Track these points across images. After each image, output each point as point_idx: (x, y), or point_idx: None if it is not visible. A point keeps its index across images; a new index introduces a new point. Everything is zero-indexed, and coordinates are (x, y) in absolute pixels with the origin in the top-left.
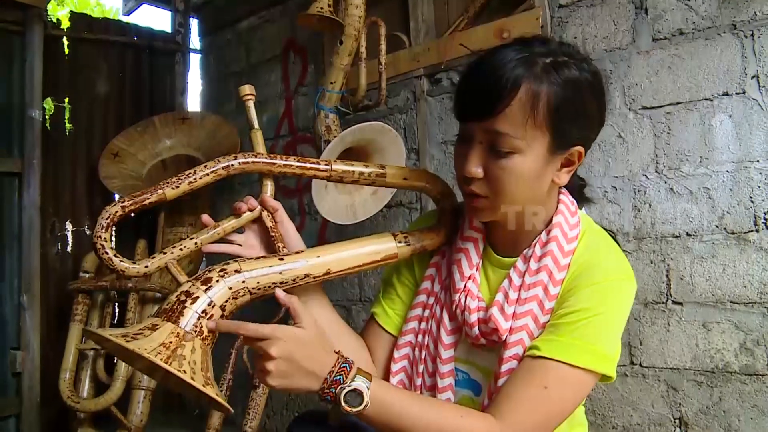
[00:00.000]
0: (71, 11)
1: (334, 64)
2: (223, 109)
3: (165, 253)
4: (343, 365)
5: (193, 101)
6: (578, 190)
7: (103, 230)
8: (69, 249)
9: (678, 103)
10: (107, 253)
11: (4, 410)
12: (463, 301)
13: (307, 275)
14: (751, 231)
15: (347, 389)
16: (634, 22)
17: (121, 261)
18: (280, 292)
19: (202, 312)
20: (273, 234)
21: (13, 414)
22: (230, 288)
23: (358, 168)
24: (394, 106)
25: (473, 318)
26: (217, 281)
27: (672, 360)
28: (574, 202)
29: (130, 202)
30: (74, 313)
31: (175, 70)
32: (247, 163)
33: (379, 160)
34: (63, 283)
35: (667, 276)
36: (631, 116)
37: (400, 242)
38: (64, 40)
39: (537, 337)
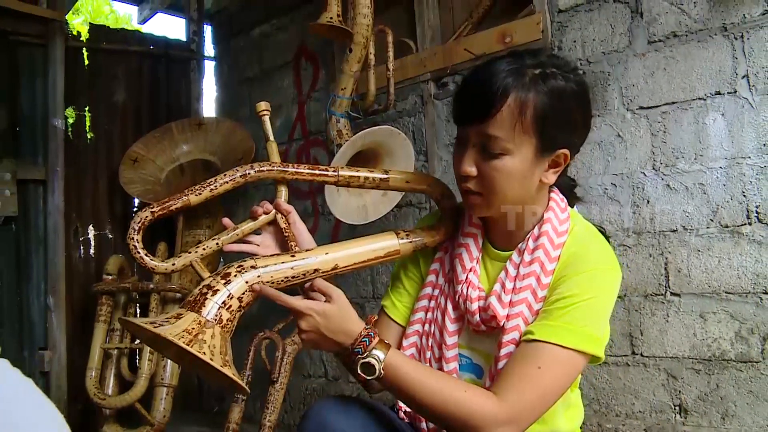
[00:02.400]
0: (90, 23)
1: (344, 71)
2: (237, 114)
3: (189, 253)
4: (364, 339)
5: (209, 107)
6: (569, 189)
7: (136, 233)
8: (92, 252)
9: (673, 103)
10: (139, 253)
11: None
12: (465, 291)
13: (316, 270)
14: (744, 224)
15: (362, 361)
16: (630, 26)
17: (151, 260)
18: (317, 282)
19: (222, 303)
20: (286, 234)
21: None
22: (247, 282)
23: (363, 173)
24: (403, 110)
25: (474, 306)
26: (235, 276)
27: (671, 349)
28: (564, 200)
29: (159, 208)
30: (98, 313)
31: (191, 77)
32: (262, 171)
33: (388, 162)
34: (87, 285)
35: (665, 269)
36: (628, 116)
37: (402, 239)
38: (84, 51)
39: (531, 322)
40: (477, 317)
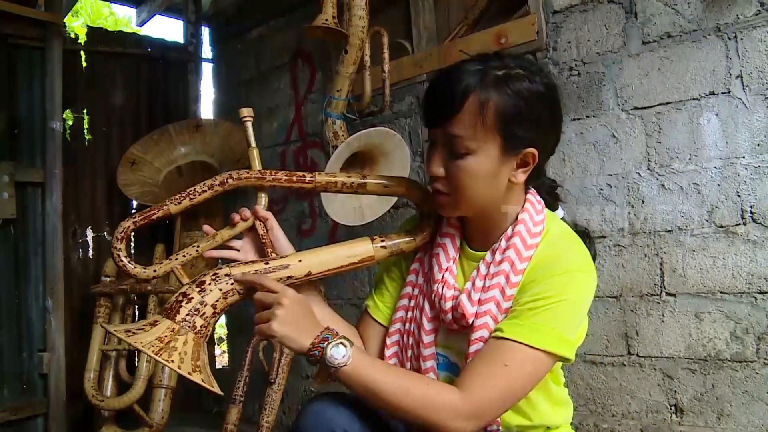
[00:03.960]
0: (88, 26)
1: (340, 72)
2: (235, 116)
3: (170, 260)
4: (331, 330)
5: (206, 109)
6: (550, 191)
7: (119, 242)
8: (90, 254)
9: (667, 103)
10: (122, 261)
11: (32, 410)
12: (440, 290)
13: (290, 277)
14: (739, 224)
15: (332, 346)
16: (625, 26)
17: (134, 267)
18: (263, 280)
19: (195, 310)
20: (264, 240)
21: (41, 413)
22: (221, 290)
23: (340, 178)
24: (399, 111)
25: (447, 305)
26: (209, 284)
27: (667, 349)
28: (541, 202)
29: (140, 218)
30: (97, 315)
31: (188, 79)
32: (240, 179)
33: (384, 163)
34: (85, 287)
35: (660, 269)
36: (623, 116)
37: (376, 245)
38: (82, 54)
39: (500, 320)
40: (449, 316)
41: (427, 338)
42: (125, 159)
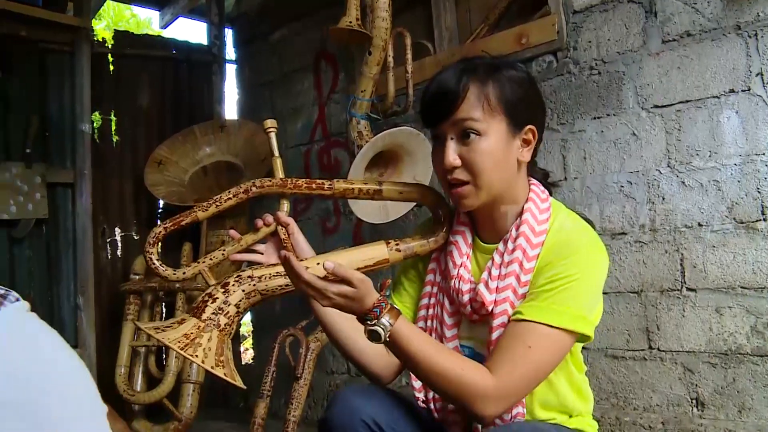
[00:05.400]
0: (115, 30)
1: (364, 73)
2: (258, 117)
3: (199, 262)
4: (375, 309)
5: (230, 110)
6: (543, 179)
7: (151, 246)
8: (119, 253)
9: (687, 101)
10: (155, 264)
11: None
12: (457, 284)
13: None
14: (759, 220)
15: (369, 328)
16: (645, 26)
17: (165, 269)
18: (328, 264)
19: (219, 309)
20: (285, 245)
21: None
22: (244, 291)
23: (357, 185)
24: None
25: (465, 298)
26: (233, 285)
27: (688, 343)
28: (545, 191)
29: (171, 224)
30: (126, 312)
31: (212, 80)
32: (263, 187)
33: (408, 162)
34: (114, 285)
35: (681, 264)
36: (643, 115)
37: (391, 249)
38: (109, 57)
39: (518, 305)
40: (469, 307)
41: (449, 332)
42: (152, 159)
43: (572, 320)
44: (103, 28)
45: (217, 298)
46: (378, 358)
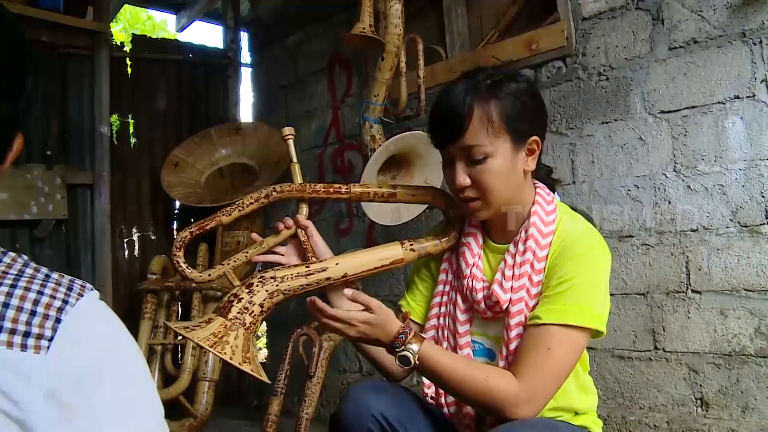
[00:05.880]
0: (133, 34)
1: (377, 78)
2: (273, 119)
3: (223, 265)
4: (401, 336)
5: (246, 112)
6: (547, 176)
7: (178, 250)
8: (136, 253)
9: (693, 107)
10: (182, 266)
11: None
12: (470, 283)
13: (328, 278)
14: (763, 224)
15: (399, 354)
16: (652, 33)
17: (192, 272)
18: (347, 291)
19: (244, 309)
20: (305, 246)
21: None
22: (267, 291)
23: (372, 189)
24: None
25: (479, 296)
26: (257, 286)
27: (692, 345)
28: (550, 193)
29: (196, 228)
30: (143, 311)
31: (228, 83)
32: (283, 192)
33: (420, 165)
34: (132, 284)
35: (686, 267)
36: (650, 120)
37: (406, 248)
38: (127, 61)
39: (532, 304)
40: (482, 305)
41: (462, 328)
42: (169, 161)
43: (585, 318)
44: (119, 30)
45: (242, 298)
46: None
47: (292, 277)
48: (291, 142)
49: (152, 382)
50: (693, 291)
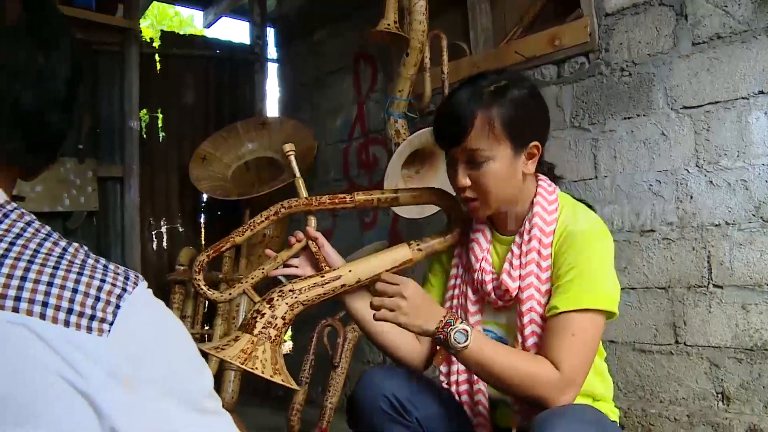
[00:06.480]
0: (162, 30)
1: (401, 74)
2: (299, 114)
3: (242, 283)
4: (454, 314)
5: (272, 107)
6: (550, 172)
7: (198, 273)
8: (164, 244)
9: (716, 102)
10: (203, 289)
11: None
12: (480, 276)
13: (343, 285)
14: None
15: (457, 330)
16: (675, 28)
17: (213, 293)
18: (385, 276)
19: (268, 323)
20: (317, 257)
21: None
22: (287, 304)
23: (376, 195)
24: None
25: (489, 287)
26: (277, 300)
27: (714, 339)
28: (552, 185)
29: (213, 251)
30: (171, 302)
31: (254, 79)
32: (291, 207)
33: (443, 159)
34: (160, 275)
35: (708, 262)
36: (673, 115)
37: (413, 249)
38: (156, 57)
39: (544, 289)
40: (493, 295)
41: (473, 318)
42: (196, 155)
43: (597, 300)
44: (147, 26)
45: (264, 313)
46: (411, 348)
47: (309, 288)
48: (292, 158)
49: (202, 358)
50: (714, 285)
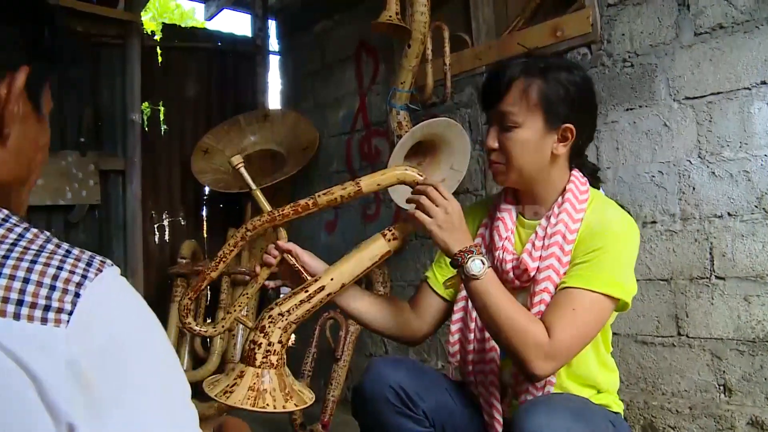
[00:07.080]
0: (163, 23)
1: (403, 65)
2: (301, 107)
3: (231, 313)
4: (477, 246)
5: (274, 99)
6: (593, 173)
7: (185, 317)
8: (167, 237)
9: (719, 93)
10: (195, 330)
11: None
12: (501, 255)
13: (329, 294)
14: None
15: (475, 259)
16: (677, 18)
17: (206, 330)
18: (440, 187)
19: (267, 351)
20: (296, 268)
21: None
22: (280, 328)
23: (338, 192)
24: (459, 102)
25: (508, 267)
26: (269, 327)
27: (716, 331)
28: (584, 177)
29: (192, 293)
30: (173, 294)
31: (256, 71)
32: (255, 227)
33: (446, 151)
34: (162, 268)
35: (710, 253)
36: (675, 106)
37: (389, 239)
38: (158, 50)
39: (560, 273)
40: (511, 275)
41: None
42: (198, 148)
43: (608, 285)
44: (149, 19)
45: (260, 343)
46: (404, 327)
47: (296, 306)
48: (243, 170)
49: (177, 358)
50: (717, 277)
